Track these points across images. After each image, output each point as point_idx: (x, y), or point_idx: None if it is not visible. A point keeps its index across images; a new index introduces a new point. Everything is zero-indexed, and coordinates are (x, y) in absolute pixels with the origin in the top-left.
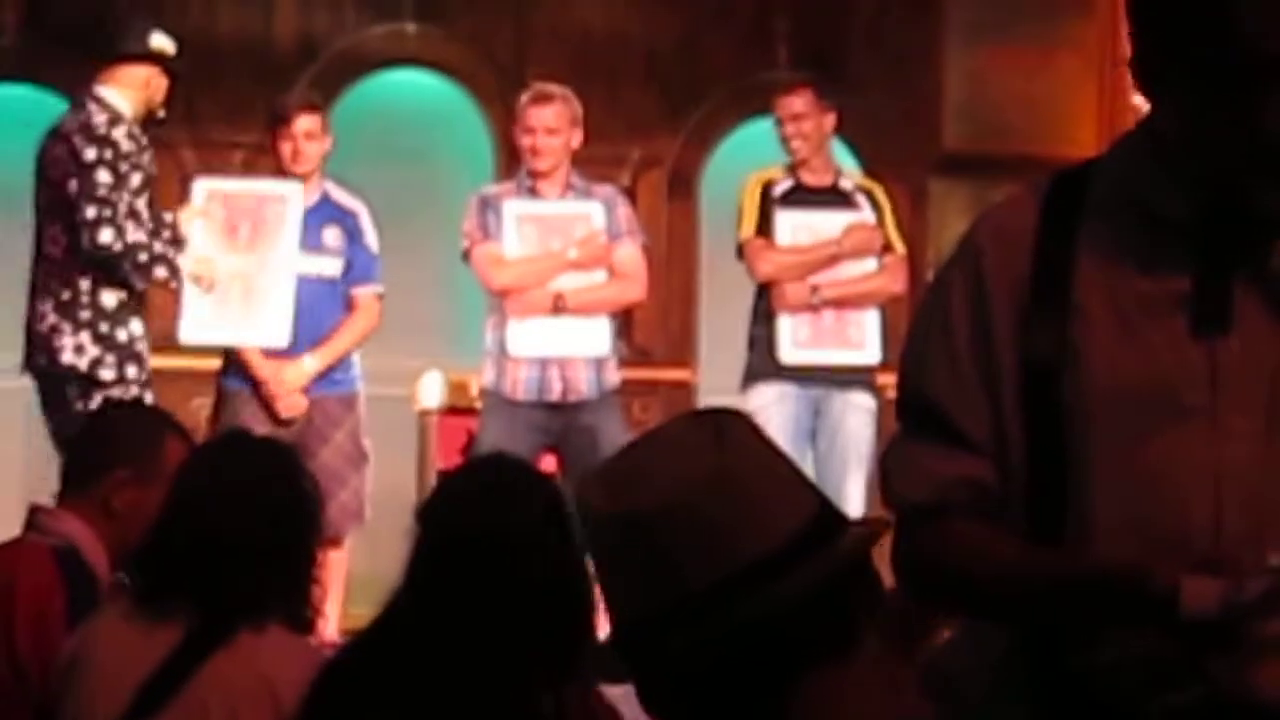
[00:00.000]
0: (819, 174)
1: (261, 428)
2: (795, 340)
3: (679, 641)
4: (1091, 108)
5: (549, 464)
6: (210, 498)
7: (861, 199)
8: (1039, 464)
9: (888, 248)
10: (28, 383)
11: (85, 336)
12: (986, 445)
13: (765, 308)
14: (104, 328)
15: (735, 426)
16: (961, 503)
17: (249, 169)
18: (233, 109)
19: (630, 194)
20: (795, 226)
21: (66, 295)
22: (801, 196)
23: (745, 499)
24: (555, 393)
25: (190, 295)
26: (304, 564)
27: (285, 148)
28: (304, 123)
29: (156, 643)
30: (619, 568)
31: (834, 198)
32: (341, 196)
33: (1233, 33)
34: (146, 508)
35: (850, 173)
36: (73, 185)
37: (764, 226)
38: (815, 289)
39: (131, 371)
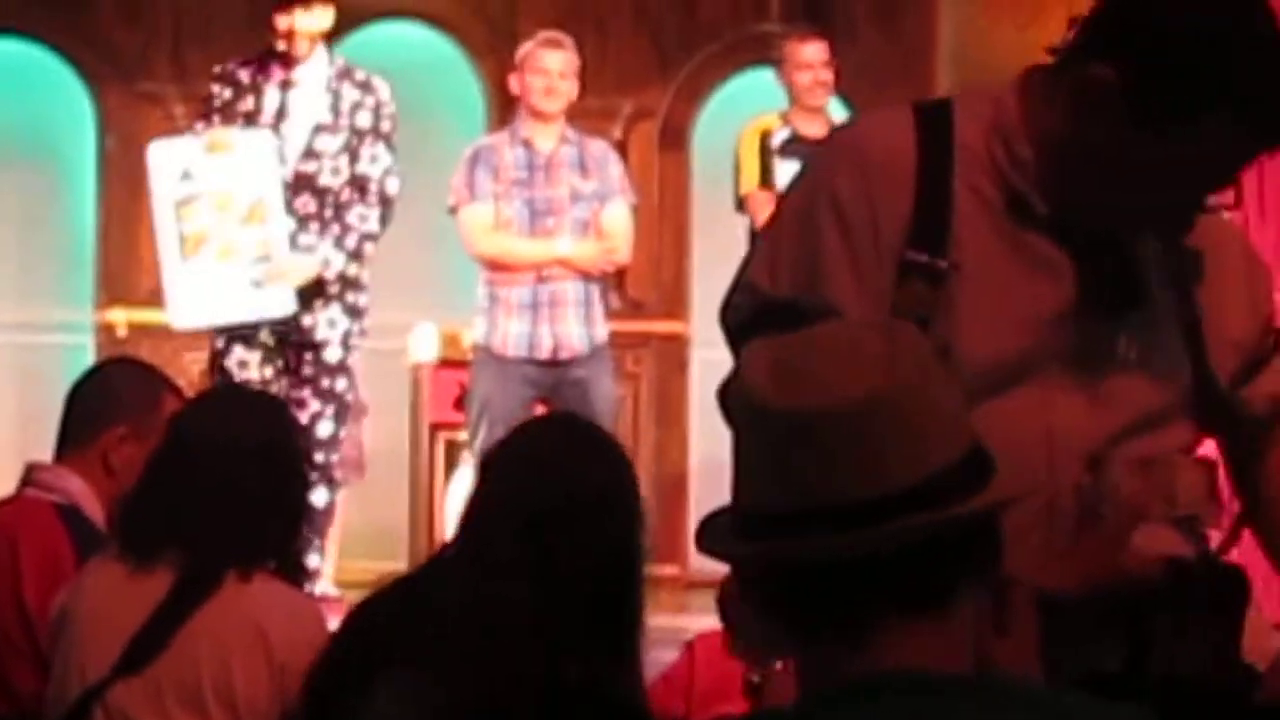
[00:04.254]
0: (818, 124)
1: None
2: None
3: (794, 546)
4: None
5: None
6: (201, 450)
7: None
8: None
9: None
10: (20, 339)
11: None
12: None
13: None
14: None
15: (912, 344)
16: None
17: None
18: (223, 62)
19: (622, 146)
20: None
21: None
22: (799, 147)
23: (906, 423)
24: (545, 350)
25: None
26: (294, 516)
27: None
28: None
29: (145, 593)
30: (764, 461)
31: None
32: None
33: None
34: (142, 464)
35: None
36: None
37: (765, 177)
38: None
39: None
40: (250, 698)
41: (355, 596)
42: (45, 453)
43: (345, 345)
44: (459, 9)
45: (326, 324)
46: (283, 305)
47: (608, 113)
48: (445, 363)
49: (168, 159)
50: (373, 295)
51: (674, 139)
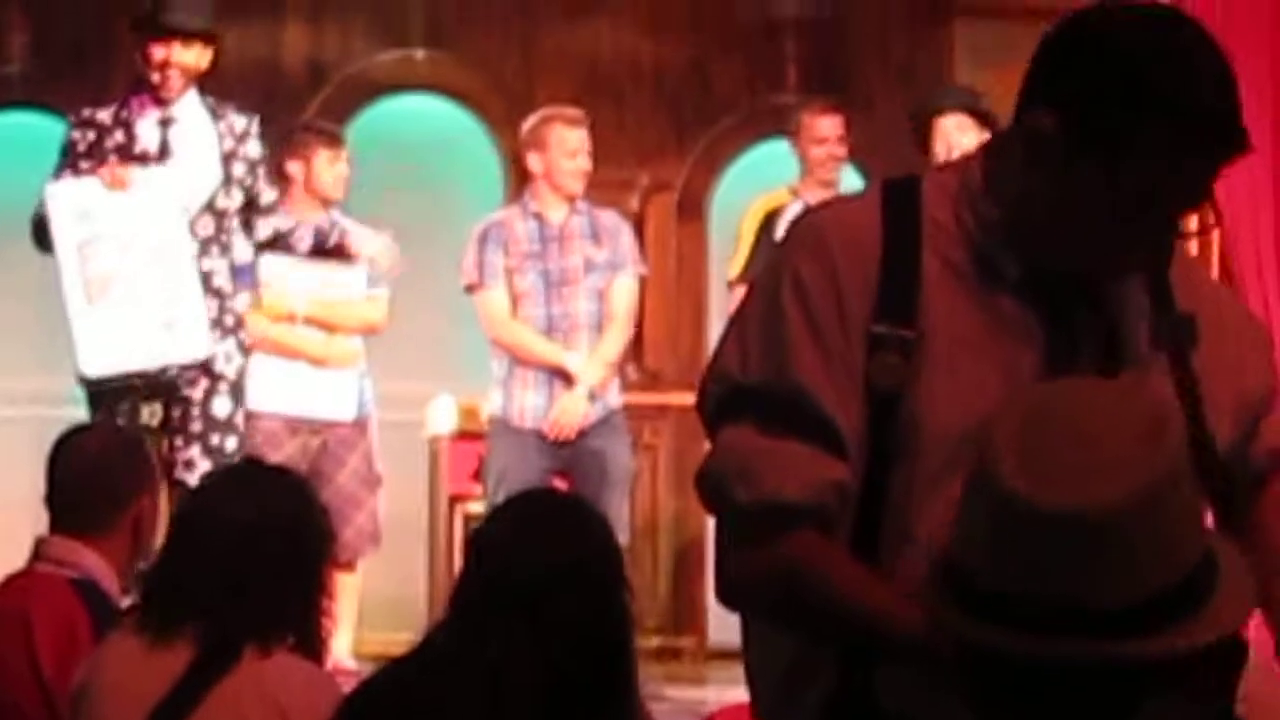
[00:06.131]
0: (829, 197)
1: (276, 455)
2: None
3: (1046, 645)
4: None
5: (559, 487)
6: (219, 526)
7: None
8: (871, 475)
9: None
10: (39, 411)
11: None
12: (853, 448)
13: None
14: None
15: (1175, 430)
16: (831, 510)
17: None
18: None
19: (640, 218)
20: None
21: None
22: None
23: (1167, 522)
24: None
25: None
26: (313, 592)
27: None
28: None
29: (164, 668)
30: (1001, 542)
31: None
32: (350, 225)
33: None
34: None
35: None
36: None
37: (755, 264)
38: None
39: None
40: None
41: (374, 669)
42: None
43: (234, 397)
44: (477, 82)
45: (224, 358)
46: (196, 348)
47: (625, 184)
48: (463, 435)
49: (66, 200)
50: (390, 366)
51: (691, 210)
